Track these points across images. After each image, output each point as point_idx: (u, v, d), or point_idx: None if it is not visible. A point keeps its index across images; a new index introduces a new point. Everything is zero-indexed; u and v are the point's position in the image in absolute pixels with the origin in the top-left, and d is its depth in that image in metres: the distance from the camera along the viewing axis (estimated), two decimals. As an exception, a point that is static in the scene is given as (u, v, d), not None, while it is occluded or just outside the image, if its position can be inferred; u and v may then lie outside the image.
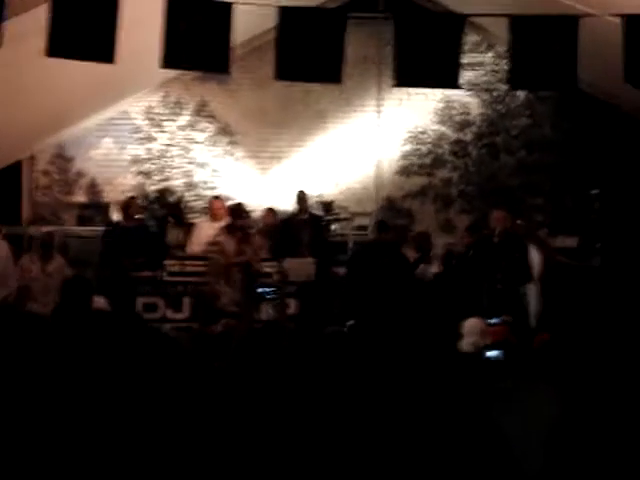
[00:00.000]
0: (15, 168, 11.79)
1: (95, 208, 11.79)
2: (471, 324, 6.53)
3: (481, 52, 12.26)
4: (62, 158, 12.00)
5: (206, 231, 9.74)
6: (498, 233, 8.69)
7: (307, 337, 5.33)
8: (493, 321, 6.73)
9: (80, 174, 12.04)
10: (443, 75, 7.48)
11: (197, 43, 7.14)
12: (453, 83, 7.61)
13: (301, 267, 9.24)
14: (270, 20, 8.10)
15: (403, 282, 9.28)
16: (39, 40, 6.76)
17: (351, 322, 8.34)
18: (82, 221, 11.81)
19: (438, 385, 4.06)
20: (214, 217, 9.86)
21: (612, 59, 7.64)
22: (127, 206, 10.19)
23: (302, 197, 10.64)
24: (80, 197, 12.01)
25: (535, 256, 9.01)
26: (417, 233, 10.54)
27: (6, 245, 8.79)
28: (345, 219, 11.81)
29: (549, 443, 3.32)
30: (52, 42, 6.74)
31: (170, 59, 7.13)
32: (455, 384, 4.04)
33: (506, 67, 8.37)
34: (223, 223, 9.38)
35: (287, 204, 11.19)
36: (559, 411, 3.42)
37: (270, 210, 11.02)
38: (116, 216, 10.99)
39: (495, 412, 3.55)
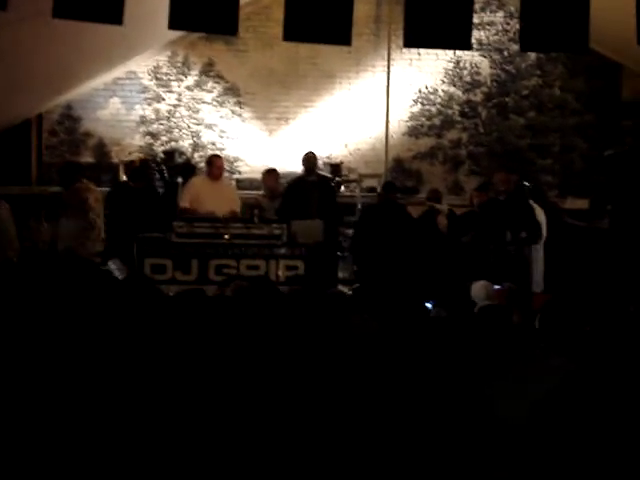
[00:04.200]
0: (23, 128, 11.77)
1: (103, 169, 11.78)
2: (478, 288, 6.55)
3: (492, 11, 12.11)
4: (70, 118, 11.96)
5: (197, 188, 9.64)
6: (502, 194, 8.91)
7: (308, 299, 5.30)
8: (497, 287, 6.75)
9: (88, 134, 12.00)
10: (454, 35, 7.34)
11: (204, 3, 7.06)
12: (465, 44, 7.48)
13: (309, 229, 9.17)
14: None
15: (410, 244, 9.28)
16: (46, 0, 6.70)
17: (357, 285, 8.35)
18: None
19: (430, 350, 4.03)
20: (212, 175, 9.69)
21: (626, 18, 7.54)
22: (135, 167, 10.16)
23: (310, 158, 10.07)
24: (88, 158, 11.97)
25: (542, 218, 8.98)
26: (430, 190, 10.43)
27: (7, 206, 8.57)
28: (354, 181, 11.77)
29: (539, 416, 3.25)
30: (58, 3, 6.67)
31: (177, 20, 7.05)
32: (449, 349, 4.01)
33: (517, 27, 8.26)
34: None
35: (295, 166, 11.12)
36: (557, 380, 3.38)
37: (272, 171, 10.31)
38: (123, 177, 10.99)
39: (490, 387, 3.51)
